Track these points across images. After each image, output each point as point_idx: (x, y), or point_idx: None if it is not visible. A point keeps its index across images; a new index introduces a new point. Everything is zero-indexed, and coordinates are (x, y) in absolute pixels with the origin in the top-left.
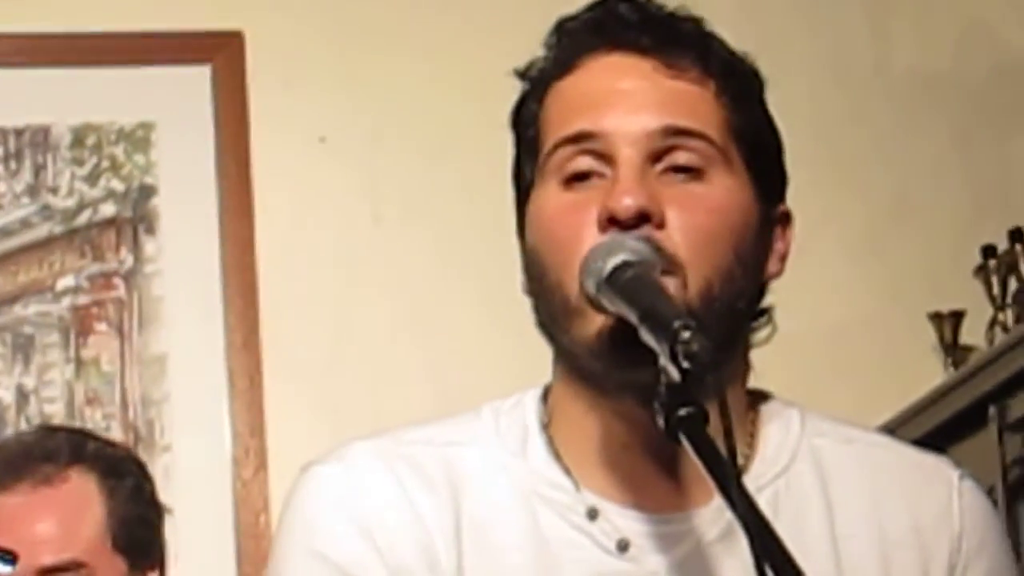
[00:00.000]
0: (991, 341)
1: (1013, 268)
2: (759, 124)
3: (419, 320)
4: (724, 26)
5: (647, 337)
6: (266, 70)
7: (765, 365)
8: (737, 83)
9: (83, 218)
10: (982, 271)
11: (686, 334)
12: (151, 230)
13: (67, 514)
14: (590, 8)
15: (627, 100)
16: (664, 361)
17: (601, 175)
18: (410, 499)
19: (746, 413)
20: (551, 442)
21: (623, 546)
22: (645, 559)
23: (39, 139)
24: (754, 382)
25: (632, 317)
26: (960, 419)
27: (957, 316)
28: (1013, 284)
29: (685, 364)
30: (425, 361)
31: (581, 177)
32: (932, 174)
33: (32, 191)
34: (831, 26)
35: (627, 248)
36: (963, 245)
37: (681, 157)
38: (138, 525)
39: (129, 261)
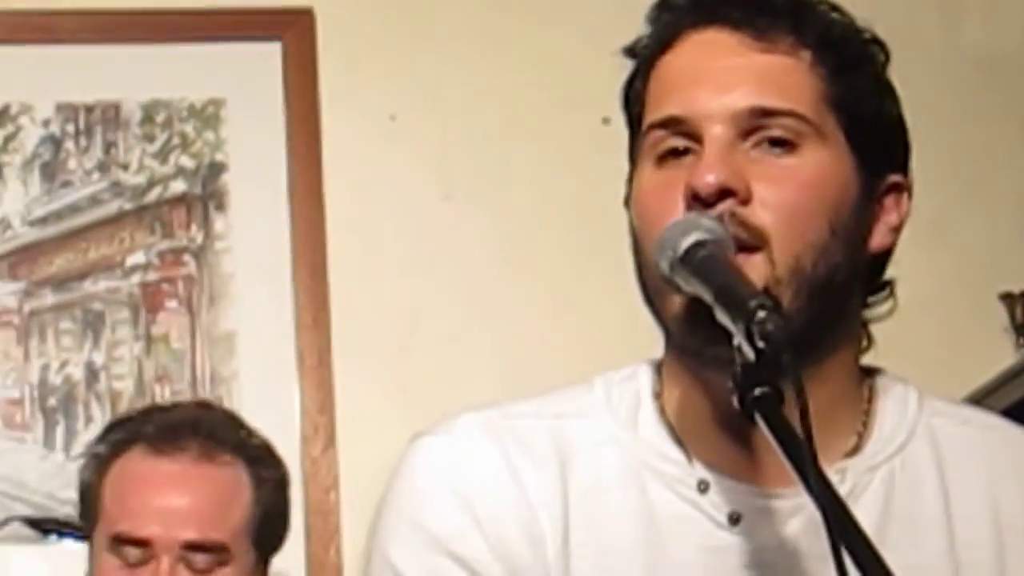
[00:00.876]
0: None
1: None
2: (862, 94)
3: (488, 300)
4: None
5: (722, 317)
6: (336, 48)
7: None
8: (836, 52)
9: (153, 195)
10: None
11: (762, 313)
12: (221, 207)
13: (223, 495)
14: None
15: (715, 80)
16: (739, 340)
17: (692, 152)
18: (516, 474)
19: (859, 389)
20: (663, 413)
21: (735, 519)
22: (756, 533)
23: (109, 115)
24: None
25: (707, 296)
26: None
27: None
28: None
29: (760, 344)
30: (494, 341)
31: (675, 154)
32: (1000, 155)
33: (102, 167)
34: (899, 6)
35: (701, 227)
36: None
37: (772, 132)
38: (276, 521)
39: (199, 238)
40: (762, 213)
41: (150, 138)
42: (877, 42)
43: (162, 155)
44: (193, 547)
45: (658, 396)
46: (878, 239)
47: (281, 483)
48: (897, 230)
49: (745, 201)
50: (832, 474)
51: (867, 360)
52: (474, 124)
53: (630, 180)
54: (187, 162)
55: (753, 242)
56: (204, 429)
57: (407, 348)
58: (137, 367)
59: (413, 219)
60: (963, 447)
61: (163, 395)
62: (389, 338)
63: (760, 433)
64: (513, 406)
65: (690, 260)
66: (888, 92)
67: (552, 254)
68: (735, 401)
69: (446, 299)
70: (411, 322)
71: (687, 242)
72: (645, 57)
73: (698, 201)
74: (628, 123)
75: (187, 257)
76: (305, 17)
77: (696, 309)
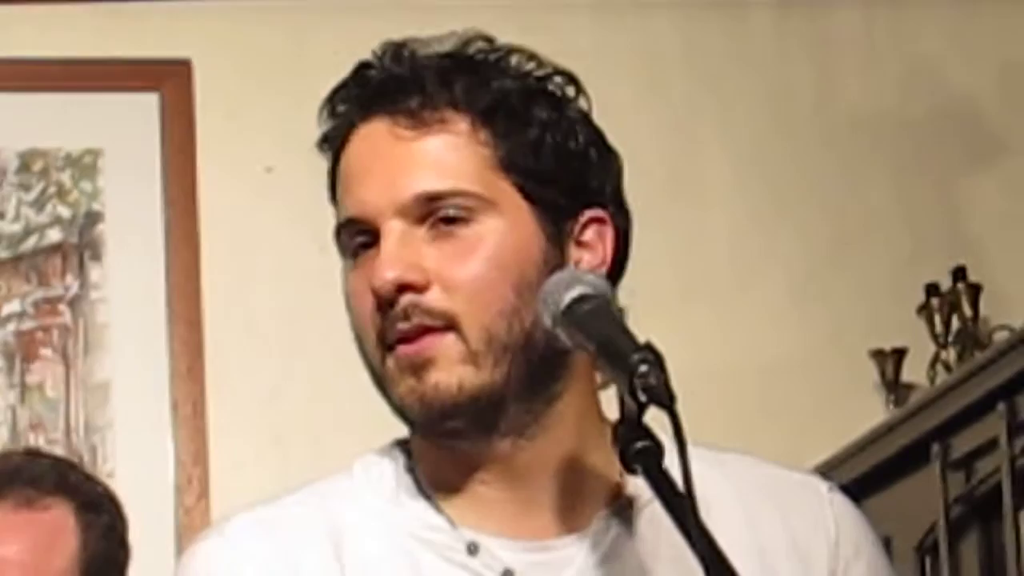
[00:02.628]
0: (932, 379)
1: (956, 306)
2: (533, 145)
3: None
4: (668, 62)
5: (605, 369)
6: (214, 99)
7: (704, 402)
8: (495, 112)
9: (29, 243)
10: (925, 309)
11: (644, 367)
12: (97, 257)
13: (43, 541)
14: (349, 77)
15: (379, 175)
16: (622, 392)
17: (376, 246)
18: (293, 561)
19: (605, 430)
20: (419, 485)
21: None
22: None
23: None
24: (696, 419)
25: (589, 349)
26: (902, 457)
27: (899, 354)
28: (956, 322)
29: (642, 397)
30: (369, 390)
31: (365, 246)
32: (875, 212)
33: None
34: (774, 65)
35: (583, 281)
36: (905, 283)
37: (444, 212)
38: (107, 564)
39: (75, 287)
40: (443, 297)
41: (26, 187)
42: (561, 73)
43: (38, 204)
44: None
45: (413, 471)
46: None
47: (111, 527)
48: (604, 262)
49: (424, 289)
50: (598, 522)
51: (747, 412)
52: None
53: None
54: (63, 211)
55: (441, 325)
56: (25, 477)
57: (282, 397)
58: (11, 415)
59: (288, 270)
60: (721, 488)
61: (37, 443)
62: (264, 387)
63: (519, 490)
64: (282, 497)
65: (572, 314)
66: (571, 128)
67: None
68: (616, 454)
69: (321, 348)
70: (286, 371)
71: (569, 296)
72: (331, 152)
73: (381, 300)
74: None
75: (62, 306)
76: (183, 68)
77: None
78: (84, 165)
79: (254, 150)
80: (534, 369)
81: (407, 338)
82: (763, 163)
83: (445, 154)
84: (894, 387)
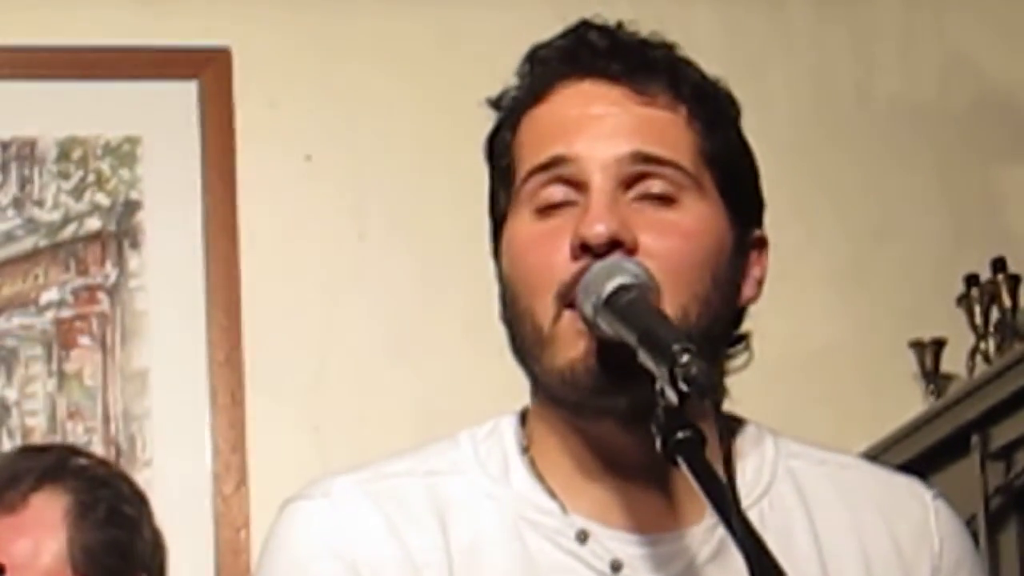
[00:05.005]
0: (971, 370)
1: (995, 297)
2: (732, 149)
3: (403, 338)
4: (707, 51)
5: (645, 360)
6: (253, 87)
7: (746, 391)
8: (709, 108)
9: (68, 232)
10: (964, 300)
11: (685, 357)
12: (135, 245)
13: (25, 544)
14: (562, 36)
15: (598, 126)
16: (662, 384)
17: (574, 203)
18: (398, 535)
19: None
20: (533, 466)
21: (616, 567)
22: None
23: (25, 152)
24: (735, 408)
25: (630, 339)
26: (942, 447)
27: (938, 344)
28: (995, 313)
29: (683, 387)
30: (408, 380)
31: (554, 206)
32: (915, 202)
33: (18, 204)
34: (815, 53)
35: (626, 271)
36: (945, 274)
37: (653, 185)
38: (106, 551)
39: (113, 275)
40: (649, 264)
41: (66, 175)
42: (733, 100)
43: (77, 192)
44: None
45: (526, 450)
46: (747, 292)
47: (115, 511)
48: (761, 283)
49: (632, 252)
50: (707, 520)
51: (788, 401)
52: (390, 163)
53: (496, 231)
54: (102, 199)
55: None
56: (3, 480)
57: (320, 386)
58: (50, 404)
59: (328, 258)
60: (823, 486)
61: (75, 432)
62: (302, 376)
63: (637, 480)
64: (384, 465)
65: (614, 304)
66: (748, 150)
67: (467, 294)
68: (658, 445)
69: (360, 337)
70: (325, 360)
71: (611, 286)
72: (515, 108)
73: (587, 251)
74: (493, 175)
75: (101, 294)
76: (222, 56)
77: (593, 358)
78: (123, 153)
79: (293, 138)
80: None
81: None
82: (804, 153)
83: (667, 127)
84: (933, 377)
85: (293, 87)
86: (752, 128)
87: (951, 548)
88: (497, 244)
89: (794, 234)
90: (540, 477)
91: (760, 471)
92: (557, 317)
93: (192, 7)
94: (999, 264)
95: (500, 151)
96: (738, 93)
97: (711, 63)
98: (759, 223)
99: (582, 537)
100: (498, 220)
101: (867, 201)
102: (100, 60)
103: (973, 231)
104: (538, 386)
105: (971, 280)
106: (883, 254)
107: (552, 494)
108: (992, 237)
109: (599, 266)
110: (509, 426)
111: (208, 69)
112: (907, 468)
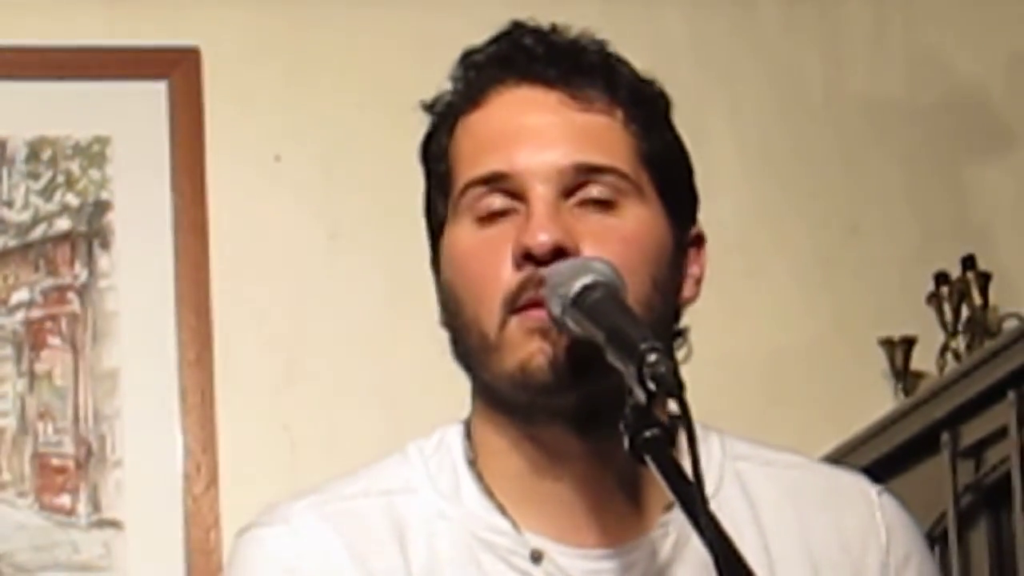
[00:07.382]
0: (941, 368)
1: (965, 295)
2: (668, 148)
3: (372, 339)
4: (676, 52)
5: (613, 358)
6: (222, 87)
7: (713, 390)
8: (645, 109)
9: (38, 232)
10: (934, 298)
11: (653, 356)
12: (105, 245)
13: None
14: (495, 39)
15: (537, 137)
16: (630, 382)
17: (515, 211)
18: (361, 560)
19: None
20: (481, 480)
21: None
22: None
23: None
24: (704, 408)
25: (598, 338)
26: (912, 445)
27: (908, 342)
28: (965, 311)
29: (651, 386)
30: (377, 380)
31: (495, 214)
32: (884, 200)
33: None
34: (783, 52)
35: (593, 270)
36: (914, 272)
37: (593, 191)
38: None
39: (83, 276)
40: None
41: (35, 175)
42: (666, 96)
43: (47, 192)
44: None
45: (473, 463)
46: (687, 291)
47: None
48: (700, 281)
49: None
50: (656, 529)
51: (756, 400)
52: (359, 163)
53: (434, 236)
54: (72, 200)
55: None
56: None
57: (291, 386)
58: (20, 404)
59: (298, 257)
60: (770, 488)
61: (46, 432)
62: (273, 376)
63: (586, 493)
64: (338, 487)
65: (582, 302)
66: (682, 146)
67: (436, 295)
68: (626, 443)
69: (330, 338)
70: (295, 360)
71: (579, 284)
72: (450, 113)
73: (529, 260)
74: (429, 179)
75: (71, 295)
76: (192, 56)
77: (543, 361)
78: (92, 153)
79: (263, 138)
80: None
81: (542, 303)
82: (771, 152)
83: (604, 133)
84: (903, 376)
85: (263, 87)
86: (721, 128)
87: (898, 542)
88: (436, 249)
89: (763, 233)
90: (490, 492)
91: (706, 474)
92: (503, 324)
93: (161, 7)
94: (969, 262)
95: (436, 156)
96: (707, 93)
97: (680, 64)
98: (695, 221)
99: (536, 557)
100: (436, 226)
101: (836, 199)
102: (69, 60)
103: (942, 229)
104: (486, 394)
105: (941, 278)
106: (852, 252)
107: (503, 510)
108: (961, 235)
109: (566, 265)
110: (456, 436)
111: (177, 69)
112: (877, 466)
